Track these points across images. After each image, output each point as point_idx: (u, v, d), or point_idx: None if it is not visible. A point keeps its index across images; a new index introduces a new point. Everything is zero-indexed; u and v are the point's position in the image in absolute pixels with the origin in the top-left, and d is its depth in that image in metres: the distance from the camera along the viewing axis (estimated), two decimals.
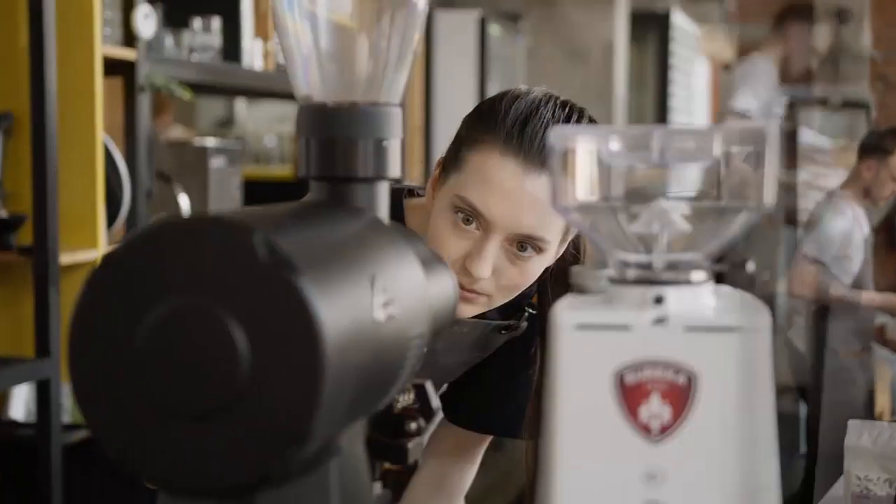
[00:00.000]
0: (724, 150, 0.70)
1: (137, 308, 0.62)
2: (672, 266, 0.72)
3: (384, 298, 0.70)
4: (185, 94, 2.75)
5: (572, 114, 1.30)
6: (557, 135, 0.72)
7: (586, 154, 0.72)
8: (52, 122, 2.37)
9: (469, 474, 1.51)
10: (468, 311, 1.30)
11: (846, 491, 1.96)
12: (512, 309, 1.42)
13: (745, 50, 9.91)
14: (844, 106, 8.62)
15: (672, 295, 0.69)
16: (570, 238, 1.34)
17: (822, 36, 4.54)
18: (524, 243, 1.26)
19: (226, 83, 3.15)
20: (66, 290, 2.43)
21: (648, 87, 7.40)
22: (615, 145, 0.72)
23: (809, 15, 4.46)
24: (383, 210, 0.83)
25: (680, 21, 7.44)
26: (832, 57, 8.96)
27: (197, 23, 3.03)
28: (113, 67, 2.63)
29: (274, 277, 0.61)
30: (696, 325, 0.68)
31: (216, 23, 3.03)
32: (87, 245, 2.50)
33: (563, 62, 4.60)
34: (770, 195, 0.70)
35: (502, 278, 1.28)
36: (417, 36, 0.85)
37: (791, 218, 4.94)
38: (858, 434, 1.98)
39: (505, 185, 1.23)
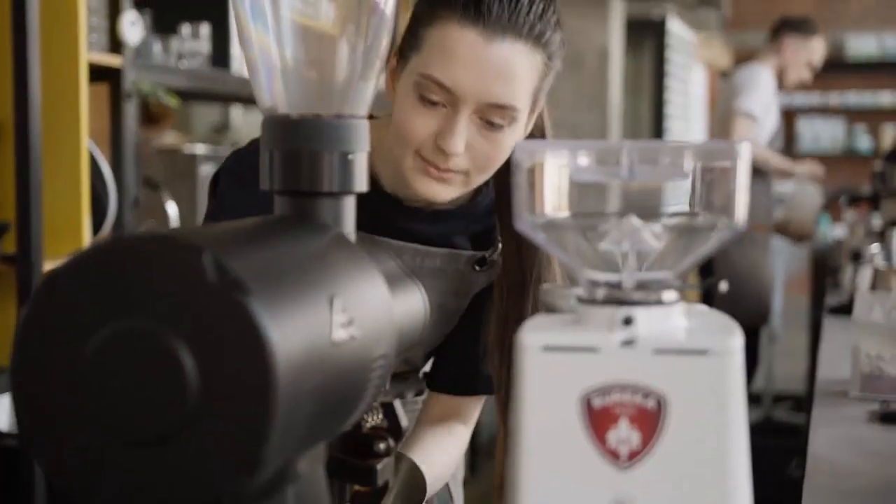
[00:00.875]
0: (695, 167, 0.68)
1: (83, 329, 0.60)
2: (642, 285, 0.69)
3: (344, 318, 0.68)
4: (172, 101, 2.72)
5: None
6: (523, 150, 0.69)
7: (554, 169, 0.70)
8: (37, 129, 2.34)
9: (454, 443, 1.44)
10: (446, 192, 1.27)
11: (854, 369, 1.84)
12: (485, 242, 1.40)
13: (741, 57, 9.91)
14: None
15: (642, 316, 0.67)
16: (538, 109, 1.32)
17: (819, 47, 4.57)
18: (493, 118, 1.23)
19: (214, 90, 3.13)
20: None
21: (645, 94, 7.38)
22: (583, 161, 0.69)
23: (804, 28, 4.50)
24: (349, 225, 0.80)
25: (676, 28, 7.42)
26: None
27: (185, 29, 3.01)
28: (99, 74, 2.61)
29: (223, 299, 0.58)
30: (666, 347, 0.66)
31: (205, 29, 3.01)
32: (72, 253, 2.47)
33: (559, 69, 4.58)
34: (742, 213, 0.67)
35: (476, 154, 1.25)
36: (385, 44, 0.83)
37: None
38: (868, 307, 1.86)
39: (468, 56, 1.20)
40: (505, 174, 1.28)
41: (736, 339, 0.66)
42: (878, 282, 2.92)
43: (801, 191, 4.76)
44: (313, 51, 0.80)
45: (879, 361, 1.86)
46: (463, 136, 1.22)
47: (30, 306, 0.60)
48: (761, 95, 4.37)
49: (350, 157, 0.79)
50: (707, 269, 4.32)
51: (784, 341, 6.15)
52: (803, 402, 5.26)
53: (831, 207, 9.83)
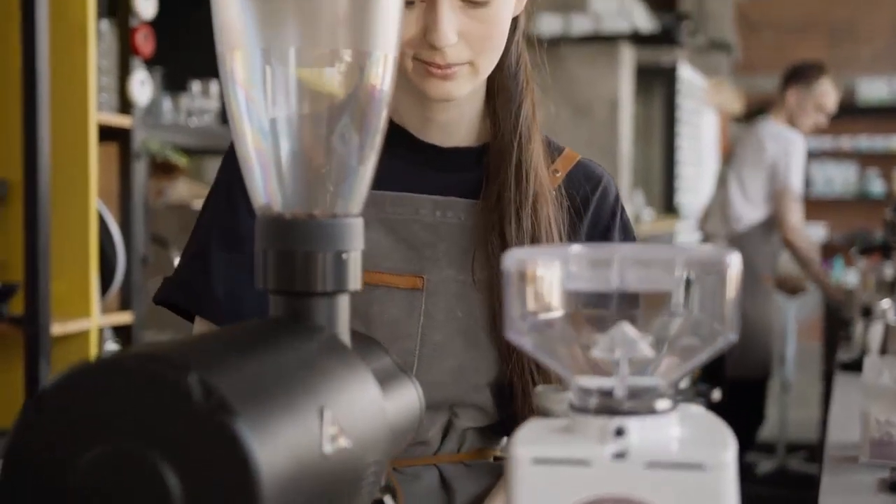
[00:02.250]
0: (687, 275, 0.68)
1: (70, 450, 0.59)
2: (634, 393, 0.69)
3: (334, 430, 0.67)
4: (181, 161, 2.74)
5: None
6: (512, 258, 0.69)
7: (543, 277, 0.70)
8: (45, 191, 2.36)
9: None
10: (456, 88, 1.19)
11: (863, 435, 1.80)
12: None
13: (752, 101, 9.94)
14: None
15: (634, 426, 0.67)
16: None
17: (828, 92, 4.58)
18: None
19: (223, 146, 3.14)
20: (58, 361, 2.40)
21: (656, 141, 7.39)
22: (574, 268, 0.69)
23: (806, 75, 4.51)
24: (343, 324, 0.80)
25: (687, 74, 7.44)
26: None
27: (196, 86, 3.03)
28: (109, 133, 2.62)
29: (209, 421, 0.58)
30: (659, 460, 0.65)
31: (214, 86, 3.03)
32: (80, 314, 2.48)
33: (569, 118, 4.59)
34: (732, 325, 0.67)
35: (472, 38, 1.17)
36: (378, 143, 0.83)
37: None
38: (877, 371, 1.82)
39: None
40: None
41: (730, 452, 0.65)
42: (889, 338, 2.91)
43: None
44: (308, 149, 0.80)
45: (889, 427, 1.84)
46: (450, 26, 1.14)
47: (17, 426, 0.60)
48: (798, 165, 4.39)
49: (344, 256, 0.79)
50: None
51: (798, 388, 6.12)
52: (817, 452, 5.22)
53: (844, 252, 9.81)
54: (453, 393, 1.23)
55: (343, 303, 0.80)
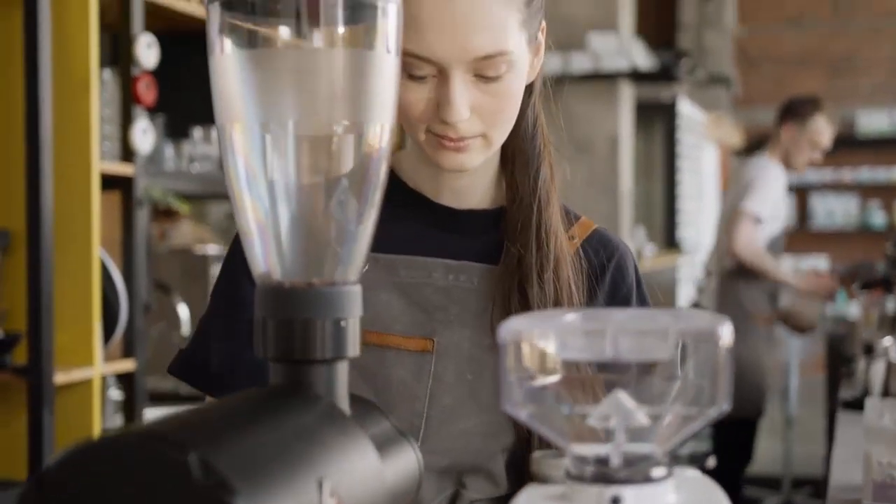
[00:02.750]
0: (679, 348, 0.68)
1: None
2: (630, 461, 0.69)
3: (333, 501, 0.68)
4: (183, 208, 2.76)
5: None
6: (508, 329, 0.70)
7: (539, 346, 0.71)
8: (49, 241, 2.37)
9: None
10: (469, 159, 1.19)
11: (866, 478, 1.79)
12: None
13: (752, 135, 9.98)
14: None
15: (629, 495, 0.67)
16: (539, 36, 1.23)
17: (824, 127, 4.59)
18: (486, 71, 1.13)
19: (225, 192, 3.16)
20: (61, 410, 2.41)
21: (657, 176, 7.41)
22: (569, 338, 0.70)
23: (799, 111, 4.52)
24: (342, 390, 0.81)
25: (686, 109, 7.48)
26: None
27: (197, 133, 3.05)
28: (111, 182, 2.64)
29: (210, 499, 0.59)
30: None
31: (216, 133, 3.05)
32: (83, 363, 2.49)
33: (569, 155, 4.61)
34: (725, 396, 0.68)
35: (484, 112, 1.16)
36: (375, 210, 0.84)
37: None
38: (879, 413, 1.81)
39: (433, 18, 1.11)
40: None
41: None
42: (892, 376, 2.90)
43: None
44: (307, 218, 0.82)
45: (891, 470, 1.84)
46: (462, 101, 1.14)
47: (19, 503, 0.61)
48: (770, 194, 4.38)
49: (343, 323, 0.80)
50: None
51: (803, 423, 6.10)
52: (822, 488, 5.20)
53: (846, 285, 9.81)
54: (462, 459, 1.21)
55: (342, 369, 0.81)
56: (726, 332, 0.68)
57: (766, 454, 6.62)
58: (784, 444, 5.68)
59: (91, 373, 2.50)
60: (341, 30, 0.78)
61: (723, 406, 0.69)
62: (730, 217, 4.42)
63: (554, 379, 0.72)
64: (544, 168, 1.28)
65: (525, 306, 1.20)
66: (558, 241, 1.25)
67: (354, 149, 0.81)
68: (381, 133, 0.82)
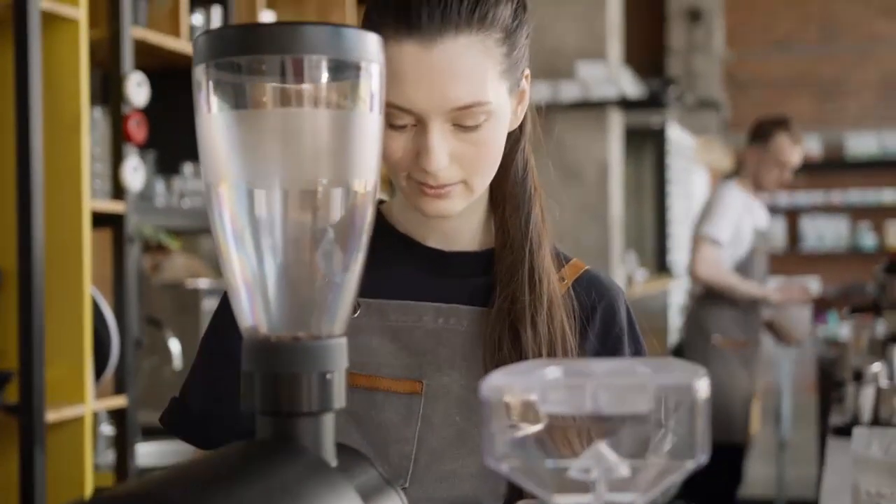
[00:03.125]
0: (657, 403, 0.70)
1: None
2: None
3: None
4: (173, 245, 2.77)
5: None
6: (490, 384, 0.72)
7: (520, 401, 0.72)
8: (40, 279, 2.38)
9: None
10: (451, 205, 1.20)
11: None
12: None
13: (742, 158, 10.03)
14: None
15: None
16: (522, 85, 1.23)
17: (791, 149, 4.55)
18: (465, 121, 1.15)
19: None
20: (53, 448, 2.41)
21: (647, 200, 7.44)
22: (550, 394, 0.71)
23: (760, 133, 4.50)
24: (328, 442, 0.82)
25: (676, 134, 7.52)
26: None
27: (188, 168, 3.07)
28: (102, 219, 2.65)
29: None
30: None
31: None
32: (75, 400, 2.49)
33: (559, 182, 4.63)
34: (703, 447, 0.69)
35: (464, 160, 1.17)
36: (359, 266, 0.85)
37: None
38: (867, 443, 1.81)
39: (412, 69, 1.13)
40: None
41: None
42: (881, 403, 2.92)
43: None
44: (293, 274, 0.83)
45: (879, 499, 1.85)
46: (441, 150, 1.15)
47: None
48: (728, 216, 4.38)
49: (328, 376, 0.82)
50: None
51: (796, 444, 6.11)
52: None
53: (838, 307, 9.84)
54: (451, 501, 1.23)
55: (328, 421, 0.82)
56: (703, 386, 0.70)
57: (760, 477, 6.63)
58: (777, 467, 5.69)
59: (83, 410, 2.51)
60: (325, 90, 0.80)
61: (701, 457, 0.70)
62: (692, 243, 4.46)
63: (535, 432, 0.73)
64: (535, 211, 1.29)
65: (518, 349, 1.21)
66: (550, 283, 1.25)
67: (339, 205, 0.83)
68: (365, 189, 0.84)
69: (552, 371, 0.74)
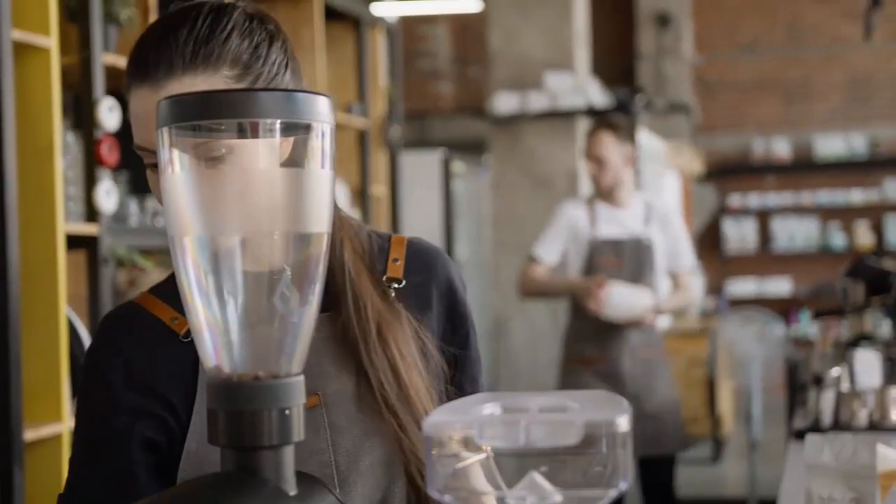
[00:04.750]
0: (583, 437, 0.77)
1: None
2: None
3: None
4: (147, 265, 2.83)
5: (188, 12, 1.24)
6: (432, 424, 0.78)
7: (459, 437, 0.79)
8: (16, 301, 2.43)
9: None
10: None
11: None
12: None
13: (712, 161, 10.15)
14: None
15: None
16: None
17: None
18: (210, 150, 1.14)
19: None
20: (31, 467, 2.46)
21: None
22: (486, 430, 0.78)
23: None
24: (288, 472, 0.89)
25: (646, 140, 7.60)
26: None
27: None
28: (76, 241, 2.71)
29: None
30: None
31: None
32: (52, 419, 2.55)
33: (528, 191, 4.73)
34: (625, 476, 0.76)
35: None
36: (315, 306, 0.92)
37: None
38: (818, 449, 1.87)
39: (147, 111, 1.19)
40: None
41: None
42: (841, 405, 2.99)
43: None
44: (252, 319, 0.90)
45: (832, 503, 1.91)
46: None
47: None
48: (551, 231, 4.19)
49: (287, 412, 0.88)
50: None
51: (768, 444, 6.20)
52: None
53: (810, 306, 9.97)
54: (377, 494, 1.28)
55: (288, 453, 0.89)
56: (623, 421, 0.77)
57: (732, 476, 6.73)
58: (749, 466, 5.78)
59: (60, 428, 2.56)
60: (279, 149, 0.86)
61: (623, 485, 0.77)
62: None
63: (474, 465, 0.80)
64: (343, 241, 1.31)
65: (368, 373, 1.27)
66: (374, 306, 1.29)
67: (294, 252, 0.90)
68: (319, 236, 0.91)
69: (489, 409, 0.81)
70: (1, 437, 2.41)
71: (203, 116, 0.87)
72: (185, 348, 1.26)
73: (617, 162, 4.12)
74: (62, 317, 2.55)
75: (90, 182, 2.73)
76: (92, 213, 2.74)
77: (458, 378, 1.37)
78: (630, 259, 4.18)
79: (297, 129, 0.88)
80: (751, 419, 5.94)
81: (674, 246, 4.21)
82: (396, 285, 1.33)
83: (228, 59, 1.22)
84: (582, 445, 0.78)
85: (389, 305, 1.31)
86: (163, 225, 3.10)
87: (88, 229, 2.71)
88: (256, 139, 0.87)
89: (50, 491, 2.52)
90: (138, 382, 1.26)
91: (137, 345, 1.29)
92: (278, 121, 0.87)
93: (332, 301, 1.30)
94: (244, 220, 0.88)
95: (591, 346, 4.20)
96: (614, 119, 4.31)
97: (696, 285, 4.30)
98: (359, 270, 1.32)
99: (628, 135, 4.20)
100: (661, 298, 4.20)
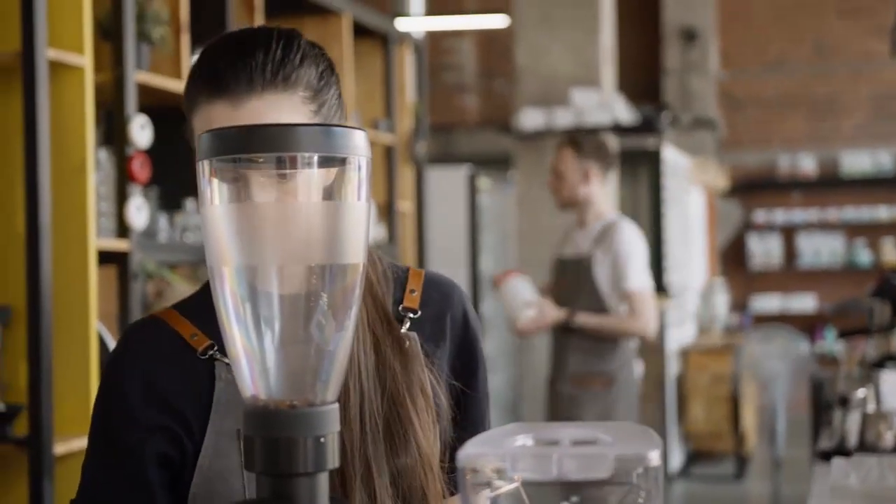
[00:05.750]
0: (616, 471, 0.78)
1: None
2: None
3: None
4: (176, 280, 2.86)
5: (260, 35, 1.26)
6: (465, 455, 0.80)
7: (493, 469, 0.80)
8: (48, 316, 2.47)
9: None
10: None
11: None
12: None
13: (737, 176, 10.12)
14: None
15: None
16: None
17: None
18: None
19: None
20: (61, 480, 2.49)
21: (643, 221, 7.51)
22: (519, 462, 0.80)
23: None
24: (323, 499, 0.91)
25: (671, 155, 7.60)
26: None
27: (190, 204, 3.16)
28: (108, 257, 2.74)
29: None
30: None
31: None
32: (82, 433, 2.57)
33: (553, 207, 4.71)
34: None
35: None
36: (350, 334, 0.94)
37: None
38: (845, 472, 1.87)
39: (221, 126, 1.16)
40: None
41: None
42: (867, 427, 2.98)
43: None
44: (289, 348, 0.92)
45: None
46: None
47: None
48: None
49: (322, 439, 0.90)
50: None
51: (792, 462, 6.18)
52: None
53: (835, 323, 9.92)
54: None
55: (323, 480, 0.91)
56: (655, 455, 0.78)
57: (755, 494, 6.70)
58: (773, 485, 5.76)
59: None
60: (316, 183, 0.88)
61: None
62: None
63: (507, 495, 0.82)
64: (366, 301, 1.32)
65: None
66: (374, 335, 1.30)
67: (330, 282, 0.92)
68: (354, 266, 0.92)
69: (521, 441, 0.83)
70: (32, 451, 2.44)
71: (244, 150, 0.89)
72: (203, 365, 1.28)
73: (574, 178, 4.12)
74: (93, 332, 2.58)
75: (121, 198, 2.77)
76: (123, 229, 2.77)
77: (463, 415, 1.36)
78: (570, 278, 4.14)
79: (335, 162, 0.90)
80: (775, 437, 5.93)
81: (616, 266, 4.06)
82: (412, 315, 1.34)
83: (303, 83, 1.25)
84: (614, 478, 0.79)
85: (397, 336, 1.31)
86: (192, 240, 3.13)
87: (119, 245, 2.75)
88: (294, 172, 0.89)
89: None
90: (155, 397, 1.27)
91: (157, 359, 1.30)
92: (316, 154, 0.88)
93: None
94: (282, 251, 0.89)
95: (550, 364, 4.21)
96: (580, 136, 4.32)
97: (647, 311, 4.09)
98: (364, 299, 1.31)
99: (593, 154, 4.15)
100: (584, 317, 4.02)
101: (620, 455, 0.78)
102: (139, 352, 1.30)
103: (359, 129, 0.91)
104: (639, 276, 4.09)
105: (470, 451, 0.80)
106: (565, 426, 0.86)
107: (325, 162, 0.89)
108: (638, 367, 4.22)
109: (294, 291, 0.90)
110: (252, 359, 0.91)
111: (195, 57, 3.30)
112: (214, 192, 0.89)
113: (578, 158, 4.11)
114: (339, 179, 0.90)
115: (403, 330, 1.32)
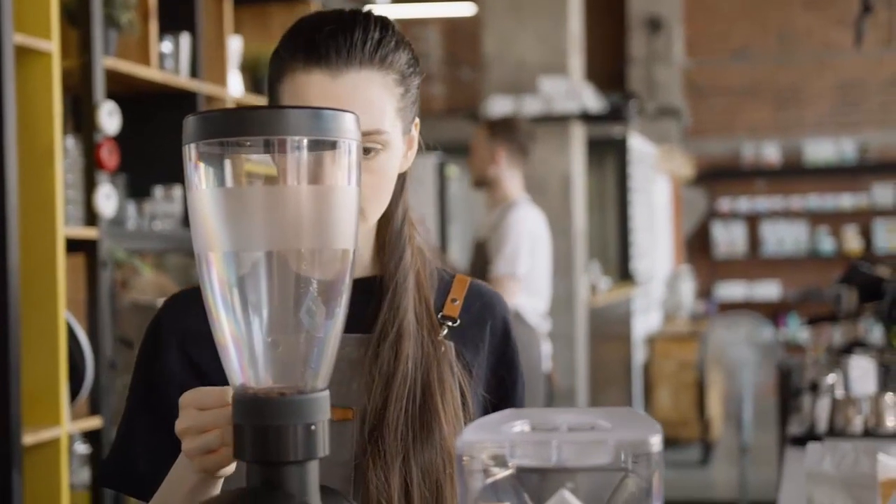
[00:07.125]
0: (615, 457, 0.77)
1: None
2: None
3: None
4: (145, 269, 2.83)
5: (358, 14, 1.28)
6: (463, 442, 0.79)
7: (491, 455, 0.79)
8: (16, 305, 2.43)
9: None
10: None
11: None
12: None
13: (702, 164, 10.17)
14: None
15: None
16: (413, 127, 1.32)
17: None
18: (364, 144, 1.18)
19: (186, 247, 3.24)
20: (30, 470, 2.46)
21: (609, 209, 7.54)
22: (518, 449, 0.79)
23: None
24: (313, 487, 0.89)
25: (637, 144, 7.62)
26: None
27: (159, 191, 3.12)
28: (76, 245, 2.70)
29: None
30: None
31: (177, 191, 3.13)
32: (51, 423, 2.54)
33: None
34: (659, 496, 0.77)
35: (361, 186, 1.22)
36: (340, 321, 0.92)
37: None
38: (820, 457, 1.87)
39: (318, 94, 1.21)
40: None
41: None
42: (836, 412, 3.00)
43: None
44: (277, 335, 0.90)
45: None
46: None
47: None
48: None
49: (313, 427, 0.89)
50: None
51: (758, 448, 6.22)
52: None
53: (799, 310, 10.00)
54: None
55: (313, 468, 0.89)
56: (655, 440, 0.77)
57: (722, 480, 6.75)
58: (740, 470, 5.80)
59: (59, 432, 2.56)
60: (306, 166, 0.86)
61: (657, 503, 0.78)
62: None
63: (504, 481, 0.80)
64: (406, 254, 1.33)
65: (370, 377, 1.27)
66: (406, 319, 1.30)
67: (320, 268, 0.90)
68: (344, 251, 0.91)
69: (519, 425, 0.81)
70: (0, 441, 2.40)
71: (230, 133, 0.87)
72: None
73: (483, 156, 4.18)
74: (62, 320, 2.55)
75: (90, 186, 2.73)
76: (91, 217, 2.73)
77: None
78: (476, 261, 4.18)
79: (324, 146, 0.88)
80: (742, 423, 5.96)
81: (497, 250, 4.04)
82: (451, 324, 1.33)
83: (397, 66, 1.26)
84: (613, 464, 0.78)
85: (435, 343, 1.31)
86: (161, 228, 3.10)
87: (88, 233, 2.71)
88: (283, 156, 0.87)
89: (49, 494, 2.51)
90: (191, 362, 1.27)
91: (195, 327, 1.29)
92: (305, 138, 0.87)
93: (370, 322, 1.30)
94: (270, 236, 0.88)
95: None
96: (497, 119, 4.42)
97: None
98: (408, 283, 1.32)
99: (503, 136, 4.18)
100: None
101: (620, 441, 0.77)
102: (180, 318, 1.30)
103: (349, 112, 0.90)
104: (505, 263, 4.03)
105: (468, 437, 0.79)
106: (562, 412, 0.85)
107: (315, 144, 0.88)
108: (544, 349, 4.18)
109: (282, 276, 0.89)
110: (241, 346, 0.90)
111: (164, 43, 3.26)
112: (201, 176, 0.87)
113: (488, 139, 4.18)
114: (328, 162, 0.88)
115: (440, 337, 1.32)
